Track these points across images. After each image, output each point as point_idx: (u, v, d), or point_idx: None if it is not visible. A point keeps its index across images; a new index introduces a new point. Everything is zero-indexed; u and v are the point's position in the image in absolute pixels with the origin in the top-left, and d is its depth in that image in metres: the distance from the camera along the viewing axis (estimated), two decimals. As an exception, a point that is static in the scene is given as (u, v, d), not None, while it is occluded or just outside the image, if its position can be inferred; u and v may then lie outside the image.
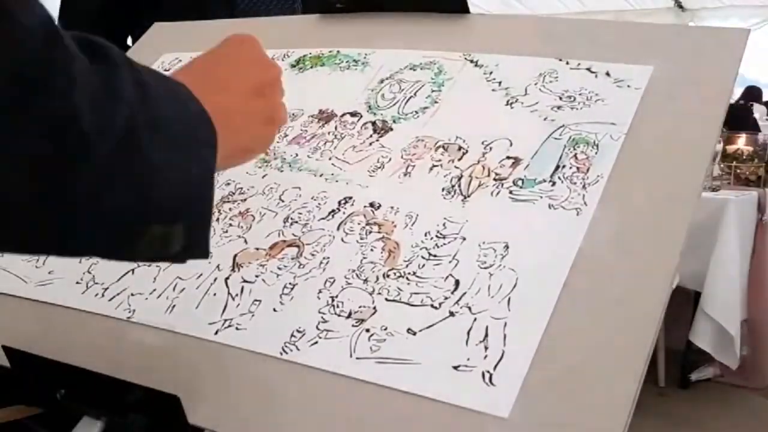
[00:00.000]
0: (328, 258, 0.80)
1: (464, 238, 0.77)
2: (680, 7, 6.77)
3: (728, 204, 2.72)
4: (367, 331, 0.72)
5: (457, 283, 0.73)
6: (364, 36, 1.05)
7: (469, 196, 0.81)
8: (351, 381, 0.69)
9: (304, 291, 0.77)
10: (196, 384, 0.74)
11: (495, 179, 0.81)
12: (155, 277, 0.85)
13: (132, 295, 0.84)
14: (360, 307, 0.74)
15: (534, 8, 6.70)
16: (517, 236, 0.75)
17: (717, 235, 2.69)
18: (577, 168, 0.79)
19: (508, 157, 0.83)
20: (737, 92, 6.07)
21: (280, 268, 0.81)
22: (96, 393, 0.73)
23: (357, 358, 0.70)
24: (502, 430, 0.62)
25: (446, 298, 0.72)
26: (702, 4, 6.80)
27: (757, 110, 5.86)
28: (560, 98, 0.86)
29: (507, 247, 0.74)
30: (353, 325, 0.73)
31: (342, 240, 0.81)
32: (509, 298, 0.70)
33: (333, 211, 0.85)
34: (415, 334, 0.70)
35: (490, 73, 0.93)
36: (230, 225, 0.88)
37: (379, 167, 0.87)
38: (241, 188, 0.92)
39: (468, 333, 0.69)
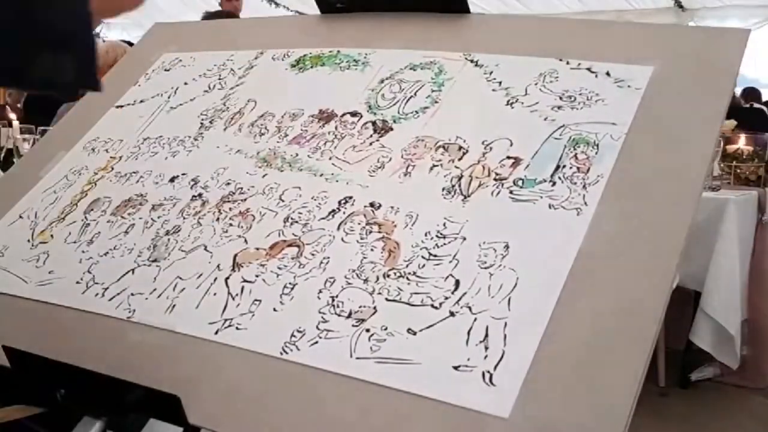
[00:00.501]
0: (329, 258, 0.80)
1: (464, 238, 0.77)
2: (680, 7, 6.76)
3: (728, 204, 2.71)
4: (367, 331, 0.72)
5: (457, 283, 0.73)
6: (364, 36, 1.05)
7: (469, 196, 0.81)
8: (351, 381, 0.69)
9: (304, 291, 0.77)
10: (196, 384, 0.73)
11: (495, 179, 0.81)
12: (155, 276, 0.85)
13: (132, 295, 0.84)
14: (360, 307, 0.74)
15: (534, 8, 6.69)
16: (518, 236, 0.75)
17: (717, 235, 2.68)
18: (578, 168, 0.79)
19: (509, 157, 0.83)
20: (737, 92, 6.06)
21: (280, 268, 0.81)
22: (96, 393, 0.73)
23: (357, 358, 0.70)
24: (503, 430, 0.62)
25: (446, 298, 0.72)
26: (702, 4, 6.79)
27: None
28: (560, 98, 0.86)
29: (507, 247, 0.74)
30: (353, 325, 0.73)
31: (342, 240, 0.81)
32: (509, 298, 0.70)
33: (333, 211, 0.85)
34: (415, 334, 0.70)
35: (490, 73, 0.93)
36: (230, 225, 0.88)
37: (380, 167, 0.87)
38: (241, 188, 0.92)
39: (468, 333, 0.69)
